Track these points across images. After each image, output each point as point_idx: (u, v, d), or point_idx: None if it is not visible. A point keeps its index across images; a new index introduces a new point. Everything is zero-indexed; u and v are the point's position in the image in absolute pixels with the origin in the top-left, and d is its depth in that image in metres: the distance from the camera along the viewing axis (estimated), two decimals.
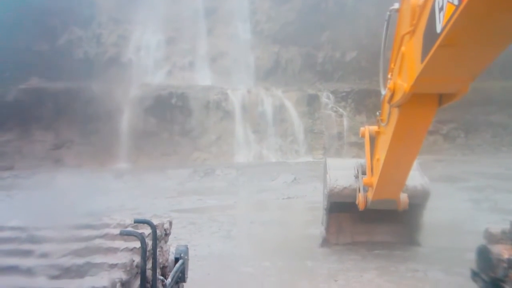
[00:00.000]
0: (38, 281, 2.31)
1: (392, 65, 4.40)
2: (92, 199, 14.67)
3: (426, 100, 4.06)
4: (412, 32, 3.50)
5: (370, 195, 6.04)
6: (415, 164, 5.99)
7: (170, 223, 4.03)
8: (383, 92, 4.65)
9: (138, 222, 3.20)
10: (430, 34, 2.86)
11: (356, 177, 6.70)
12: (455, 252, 6.58)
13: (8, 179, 19.92)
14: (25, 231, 3.23)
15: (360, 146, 26.47)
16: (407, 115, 4.32)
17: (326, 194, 7.01)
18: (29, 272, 2.44)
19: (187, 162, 24.52)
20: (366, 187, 6.24)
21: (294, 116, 27.01)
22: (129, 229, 3.18)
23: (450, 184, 15.70)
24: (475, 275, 4.52)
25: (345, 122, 27.58)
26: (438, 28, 2.61)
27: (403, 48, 3.78)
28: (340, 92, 28.81)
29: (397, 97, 4.09)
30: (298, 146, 26.41)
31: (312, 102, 27.91)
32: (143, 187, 17.54)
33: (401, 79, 3.93)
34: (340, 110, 28.14)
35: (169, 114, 26.10)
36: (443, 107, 4.15)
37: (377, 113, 5.48)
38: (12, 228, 3.37)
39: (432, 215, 9.40)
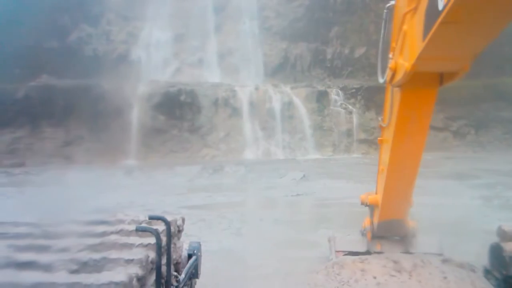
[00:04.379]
0: (57, 275, 2.34)
1: (393, 44, 4.38)
2: (103, 195, 14.76)
3: (427, 79, 4.04)
4: (414, 10, 3.49)
5: (375, 219, 5.72)
6: None
7: (183, 220, 4.06)
8: (380, 80, 4.71)
9: (152, 218, 3.23)
10: (431, 12, 2.86)
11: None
12: (466, 249, 6.53)
13: (19, 176, 20.12)
14: (40, 227, 3.28)
15: (370, 143, 26.62)
16: (409, 95, 4.29)
17: None
18: (48, 266, 2.48)
19: (196, 159, 24.62)
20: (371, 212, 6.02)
21: (303, 113, 26.96)
22: (144, 225, 3.21)
23: (461, 181, 15.60)
24: (488, 272, 4.51)
25: (355, 119, 27.49)
26: (440, 6, 2.61)
27: (404, 27, 3.76)
28: (350, 89, 28.71)
29: (398, 76, 4.09)
30: (307, 143, 26.37)
31: (321, 98, 27.83)
32: (152, 184, 17.62)
33: (402, 58, 3.93)
34: (350, 107, 28.05)
35: (179, 111, 26.18)
36: (444, 86, 4.10)
37: (379, 119, 5.44)
38: (27, 224, 3.41)
39: (442, 212, 9.37)
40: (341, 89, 28.86)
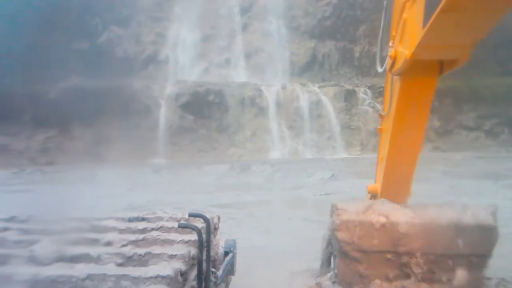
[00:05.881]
0: (107, 267, 2.46)
1: (393, 33, 4.38)
2: (133, 193, 15.10)
3: (427, 67, 4.03)
4: None
5: None
6: None
7: (219, 218, 4.16)
8: (379, 69, 4.75)
9: (192, 215, 3.33)
10: (431, 0, 2.88)
11: None
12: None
13: (51, 174, 20.73)
14: (85, 222, 3.42)
15: None
16: (409, 83, 4.27)
17: None
18: (97, 259, 2.61)
19: (223, 158, 24.84)
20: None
21: (330, 112, 26.80)
22: (184, 222, 3.31)
23: (493, 181, 15.20)
24: None
25: None
26: None
27: (404, 15, 3.79)
28: (378, 88, 28.34)
29: (398, 64, 4.10)
30: (335, 142, 26.20)
31: (349, 97, 27.60)
32: (181, 182, 17.86)
33: (402, 46, 3.94)
34: (378, 105, 27.69)
35: (207, 111, 26.47)
36: (444, 74, 4.07)
37: (379, 108, 5.43)
38: (71, 219, 3.56)
39: None
40: (369, 88, 28.54)
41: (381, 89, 27.89)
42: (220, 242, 4.03)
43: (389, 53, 4.31)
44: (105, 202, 12.58)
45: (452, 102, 28.11)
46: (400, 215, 4.40)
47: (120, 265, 2.59)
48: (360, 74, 30.93)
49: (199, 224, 3.30)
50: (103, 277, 2.34)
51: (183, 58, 31.31)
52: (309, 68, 31.44)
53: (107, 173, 19.33)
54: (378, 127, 5.60)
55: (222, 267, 3.63)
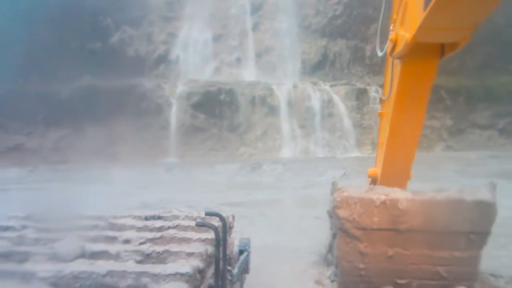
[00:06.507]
0: (127, 264, 2.50)
1: (394, 16, 4.38)
2: (146, 191, 15.20)
3: (428, 50, 4.03)
4: None
5: None
6: None
7: (233, 217, 4.19)
8: (379, 53, 4.82)
9: (209, 214, 3.37)
10: None
11: None
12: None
13: (63, 172, 20.95)
14: (103, 219, 3.48)
15: None
16: (409, 67, 4.27)
17: None
18: (118, 256, 2.66)
19: (234, 157, 24.90)
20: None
21: (342, 111, 26.69)
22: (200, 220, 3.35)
23: (508, 180, 14.99)
24: None
25: None
26: None
27: None
28: None
29: (399, 48, 4.10)
30: (347, 141, 26.10)
31: (360, 96, 27.43)
32: (192, 181, 17.97)
33: (403, 29, 3.96)
34: None
35: (218, 110, 26.53)
36: (445, 57, 4.07)
37: (380, 92, 5.43)
38: (90, 217, 3.62)
39: None
40: (381, 86, 28.26)
41: None
42: (234, 241, 4.06)
43: (390, 37, 4.32)
44: (117, 200, 12.70)
45: (465, 101, 27.81)
46: (400, 194, 4.42)
47: (139, 262, 2.63)
48: (371, 72, 30.71)
49: (215, 222, 3.34)
50: (123, 274, 2.38)
51: (194, 58, 31.41)
52: (320, 67, 31.33)
53: (119, 172, 19.52)
54: (379, 111, 5.59)
55: (237, 265, 3.67)
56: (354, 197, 4.44)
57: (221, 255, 3.08)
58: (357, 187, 4.65)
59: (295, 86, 27.67)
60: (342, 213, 4.45)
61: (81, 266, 2.44)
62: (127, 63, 29.71)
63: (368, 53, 31.03)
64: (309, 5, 32.15)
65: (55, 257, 2.59)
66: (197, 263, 2.63)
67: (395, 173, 5.19)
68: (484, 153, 22.95)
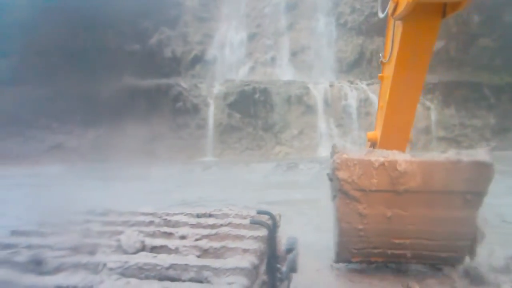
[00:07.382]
0: (188, 258, 2.63)
1: None
2: (185, 189, 15.46)
3: (429, 10, 4.00)
4: None
5: None
6: None
7: (280, 216, 4.25)
8: (380, 15, 4.72)
9: (260, 213, 3.46)
10: None
11: None
12: None
13: (103, 171, 21.59)
14: (157, 216, 3.62)
15: (450, 141, 25.36)
16: (411, 27, 4.23)
17: None
18: (177, 251, 2.79)
19: (269, 156, 25.00)
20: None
21: None
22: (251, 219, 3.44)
23: None
24: None
25: (433, 115, 26.31)
26: None
27: None
28: (427, 84, 27.43)
29: (400, 8, 4.07)
30: None
31: None
32: (229, 180, 18.15)
33: None
34: (427, 103, 26.87)
35: (253, 109, 26.71)
36: (447, 18, 4.03)
37: (380, 55, 5.36)
38: (143, 214, 3.77)
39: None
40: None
41: (430, 85, 27.08)
42: (282, 240, 4.13)
43: None
44: (158, 198, 13.03)
45: (509, 99, 26.80)
46: (399, 156, 4.41)
47: (198, 256, 2.75)
48: None
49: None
50: (185, 267, 2.50)
51: (229, 57, 31.74)
52: (357, 65, 30.98)
53: (158, 170, 19.98)
54: (379, 74, 5.60)
55: (286, 263, 3.73)
56: (354, 159, 4.43)
57: (272, 253, 3.16)
58: (356, 150, 4.66)
59: (331, 85, 27.47)
60: (342, 174, 4.46)
61: (145, 258, 2.58)
62: (164, 63, 30.40)
63: None
64: (345, 3, 31.85)
65: (119, 250, 2.74)
66: (253, 259, 2.72)
67: (394, 135, 5.22)
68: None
